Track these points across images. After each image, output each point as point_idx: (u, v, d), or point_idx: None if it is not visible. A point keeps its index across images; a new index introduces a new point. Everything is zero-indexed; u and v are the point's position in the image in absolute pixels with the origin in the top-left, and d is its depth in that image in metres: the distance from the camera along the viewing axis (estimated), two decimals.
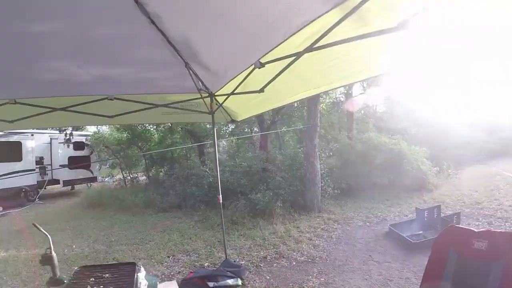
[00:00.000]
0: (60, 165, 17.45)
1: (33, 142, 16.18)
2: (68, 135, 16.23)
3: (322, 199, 10.10)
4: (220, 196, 5.40)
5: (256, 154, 13.08)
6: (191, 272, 5.49)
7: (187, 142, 17.09)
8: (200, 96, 4.75)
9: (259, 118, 13.95)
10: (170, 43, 2.90)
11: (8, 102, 3.96)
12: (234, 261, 5.83)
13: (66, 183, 17.83)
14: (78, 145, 18.63)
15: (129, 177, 17.62)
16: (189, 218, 10.02)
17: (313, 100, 10.21)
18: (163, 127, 17.54)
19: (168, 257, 6.81)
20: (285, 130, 17.02)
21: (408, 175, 11.86)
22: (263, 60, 3.10)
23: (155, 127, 17.62)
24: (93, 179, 19.26)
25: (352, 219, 8.95)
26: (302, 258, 6.35)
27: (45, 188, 17.14)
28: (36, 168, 16.33)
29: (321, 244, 7.14)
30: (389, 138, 13.20)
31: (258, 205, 9.02)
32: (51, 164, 17.43)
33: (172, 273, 5.92)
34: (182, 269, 6.10)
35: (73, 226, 9.82)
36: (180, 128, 17.12)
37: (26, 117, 4.56)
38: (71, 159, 18.07)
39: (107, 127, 24.37)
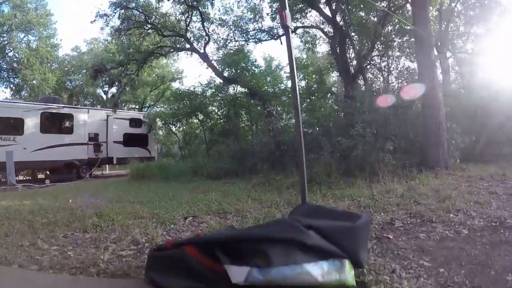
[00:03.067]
0: (114, 142, 15.87)
1: (86, 116, 14.95)
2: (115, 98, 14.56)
3: (448, 149, 6.19)
4: None
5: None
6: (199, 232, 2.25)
7: (252, 107, 14.16)
8: None
9: (342, 64, 10.45)
10: None
11: None
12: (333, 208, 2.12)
13: (119, 161, 15.92)
14: (135, 122, 16.89)
15: (188, 155, 15.36)
16: (246, 182, 6.77)
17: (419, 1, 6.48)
18: (223, 93, 14.91)
19: (185, 218, 3.71)
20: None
21: None
22: None
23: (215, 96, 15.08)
24: (151, 159, 17.27)
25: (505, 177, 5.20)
26: (481, 222, 2.86)
27: (99, 166, 15.67)
28: (89, 144, 14.90)
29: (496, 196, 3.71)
30: None
31: (352, 154, 5.40)
32: (106, 142, 15.89)
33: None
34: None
35: (97, 191, 7.67)
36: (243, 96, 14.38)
37: None
38: (126, 136, 16.34)
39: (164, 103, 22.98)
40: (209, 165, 9.21)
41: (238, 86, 14.52)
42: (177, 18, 14.46)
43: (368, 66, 12.72)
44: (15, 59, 21.21)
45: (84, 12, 45.57)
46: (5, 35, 20.37)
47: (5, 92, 23.30)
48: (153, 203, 4.81)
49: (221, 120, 14.36)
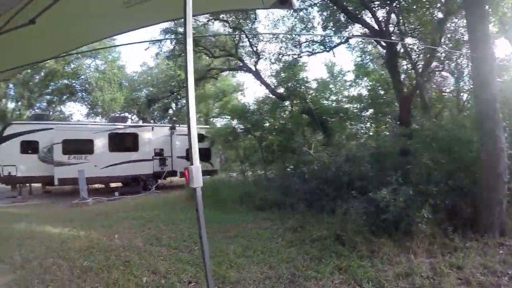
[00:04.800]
0: (177, 157, 17.06)
1: (151, 134, 16.46)
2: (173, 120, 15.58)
3: (508, 207, 5.18)
4: (193, 169, 1.85)
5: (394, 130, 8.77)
6: None
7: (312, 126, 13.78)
8: None
9: (395, 83, 9.61)
10: None
11: None
12: None
13: (183, 174, 17.20)
14: (197, 137, 17.91)
15: (250, 171, 15.54)
16: (281, 223, 6.70)
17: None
18: (281, 112, 14.72)
19: (189, 282, 3.96)
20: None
21: None
22: None
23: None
24: (213, 172, 18.10)
25: None
26: None
27: (164, 179, 16.85)
28: (155, 158, 16.33)
29: None
30: None
31: (385, 211, 4.89)
32: (171, 156, 17.15)
33: None
34: None
35: (149, 215, 8.56)
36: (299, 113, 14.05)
37: None
38: (189, 151, 17.46)
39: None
40: (256, 194, 9.19)
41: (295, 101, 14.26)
42: (225, 38, 14.78)
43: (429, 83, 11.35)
44: (86, 82, 24.18)
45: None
46: (75, 61, 23.52)
47: (80, 111, 27.23)
48: (181, 251, 5.18)
49: (278, 140, 14.21)
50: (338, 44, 13.17)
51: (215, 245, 5.37)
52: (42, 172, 14.19)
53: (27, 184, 15.74)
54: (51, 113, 24.17)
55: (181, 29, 13.91)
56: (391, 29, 10.45)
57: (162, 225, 7.26)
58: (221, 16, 13.06)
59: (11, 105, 23.68)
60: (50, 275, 4.31)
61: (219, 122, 24.24)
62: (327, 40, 12.95)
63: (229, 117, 19.41)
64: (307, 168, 8.36)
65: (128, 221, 7.87)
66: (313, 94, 13.50)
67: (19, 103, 23.96)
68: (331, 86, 14.86)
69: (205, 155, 17.93)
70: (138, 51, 47.02)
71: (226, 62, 16.10)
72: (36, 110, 24.10)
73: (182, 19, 1.86)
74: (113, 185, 16.25)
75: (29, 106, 24.10)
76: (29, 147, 14.23)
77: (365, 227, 4.98)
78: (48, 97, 26.08)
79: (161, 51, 15.81)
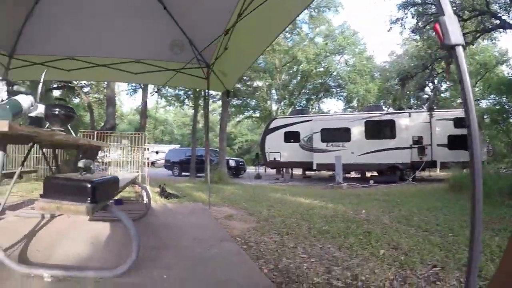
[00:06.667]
0: (437, 145, 15.49)
1: (408, 121, 15.85)
2: (430, 101, 14.35)
3: None
4: None
5: None
6: None
7: None
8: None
9: None
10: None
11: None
12: None
13: (443, 165, 15.28)
14: (460, 122, 15.83)
15: None
16: None
17: None
18: None
19: (434, 266, 3.28)
20: None
21: None
22: None
23: None
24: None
25: None
26: None
27: (423, 170, 15.71)
28: (413, 147, 15.51)
29: None
30: None
31: None
32: (431, 144, 15.68)
33: None
34: None
35: (401, 200, 8.44)
36: None
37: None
38: (451, 138, 15.47)
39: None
40: None
41: None
42: None
43: None
44: (339, 77, 25.91)
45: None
46: (324, 60, 25.63)
47: (336, 105, 30.35)
48: (427, 234, 4.69)
49: None
50: None
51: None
52: (302, 158, 16.90)
53: (289, 169, 19.05)
54: (309, 109, 27.85)
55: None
56: None
57: (414, 208, 6.93)
58: None
59: (274, 106, 28.70)
60: (287, 229, 4.83)
61: (483, 104, 20.57)
62: None
63: (495, 95, 16.15)
64: None
65: (378, 202, 8.06)
66: None
67: (281, 103, 28.76)
68: None
69: (466, 143, 15.76)
70: (384, 41, 46.25)
71: (480, 25, 13.41)
72: (296, 107, 27.90)
73: None
74: (368, 174, 16.98)
75: (290, 105, 28.54)
76: (291, 137, 17.29)
77: None
78: (305, 96, 30.28)
79: (404, 28, 15.23)
